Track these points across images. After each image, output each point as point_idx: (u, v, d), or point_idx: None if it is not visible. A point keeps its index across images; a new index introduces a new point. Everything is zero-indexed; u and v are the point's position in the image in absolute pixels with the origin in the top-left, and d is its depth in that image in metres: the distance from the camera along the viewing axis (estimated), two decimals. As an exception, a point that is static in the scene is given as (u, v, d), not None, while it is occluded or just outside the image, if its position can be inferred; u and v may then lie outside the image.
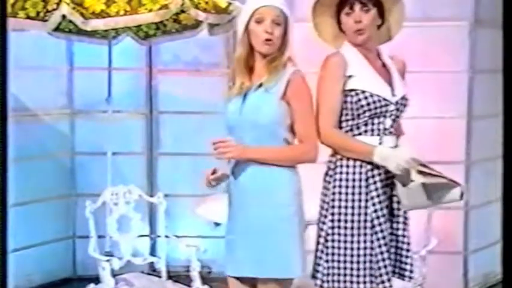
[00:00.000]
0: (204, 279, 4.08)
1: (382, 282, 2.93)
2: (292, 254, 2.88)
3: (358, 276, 2.91)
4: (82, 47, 5.10)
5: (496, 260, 5.06)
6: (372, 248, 2.92)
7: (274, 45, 2.89)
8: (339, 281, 2.93)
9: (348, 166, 2.96)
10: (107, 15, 3.94)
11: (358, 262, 2.91)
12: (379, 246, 2.92)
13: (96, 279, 3.97)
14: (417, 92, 4.72)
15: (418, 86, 4.82)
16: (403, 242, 3.01)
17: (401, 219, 3.02)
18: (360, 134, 2.97)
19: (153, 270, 4.51)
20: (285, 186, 2.92)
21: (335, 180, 2.98)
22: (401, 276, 3.03)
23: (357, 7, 2.97)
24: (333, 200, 2.96)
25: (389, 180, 2.97)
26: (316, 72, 3.01)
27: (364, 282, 2.91)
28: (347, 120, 2.98)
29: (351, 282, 2.91)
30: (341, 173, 2.97)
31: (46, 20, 3.89)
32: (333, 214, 2.96)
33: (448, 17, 4.88)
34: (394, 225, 3.01)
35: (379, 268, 2.92)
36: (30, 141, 4.93)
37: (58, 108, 5.28)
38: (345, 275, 2.92)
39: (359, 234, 2.92)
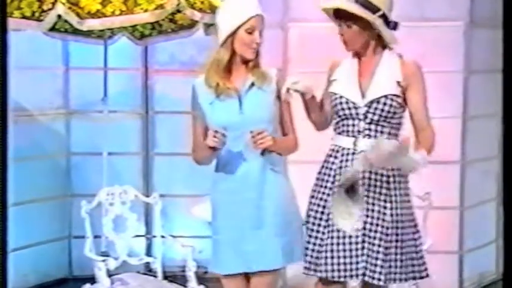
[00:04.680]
0: (200, 279, 4.08)
1: None
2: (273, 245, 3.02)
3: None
4: (78, 47, 5.10)
5: (491, 259, 5.07)
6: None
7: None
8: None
9: None
10: (102, 15, 3.93)
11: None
12: None
13: (92, 280, 3.97)
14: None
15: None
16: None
17: None
18: (339, 133, 3.12)
19: (149, 270, 4.51)
20: (278, 184, 3.08)
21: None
22: None
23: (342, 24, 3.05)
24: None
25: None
26: (315, 72, 3.14)
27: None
28: (334, 119, 3.17)
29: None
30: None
31: (41, 20, 3.88)
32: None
33: (443, 17, 4.88)
34: None
35: None
36: (26, 142, 4.91)
37: (54, 108, 5.27)
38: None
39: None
